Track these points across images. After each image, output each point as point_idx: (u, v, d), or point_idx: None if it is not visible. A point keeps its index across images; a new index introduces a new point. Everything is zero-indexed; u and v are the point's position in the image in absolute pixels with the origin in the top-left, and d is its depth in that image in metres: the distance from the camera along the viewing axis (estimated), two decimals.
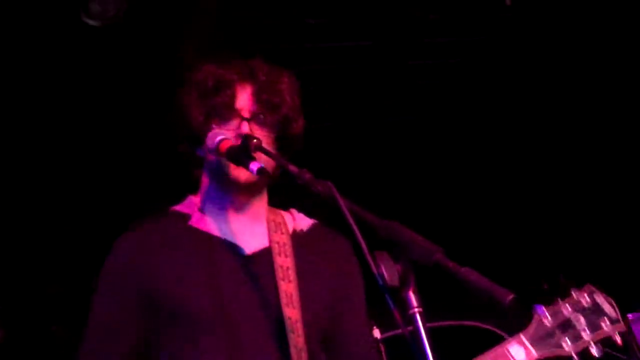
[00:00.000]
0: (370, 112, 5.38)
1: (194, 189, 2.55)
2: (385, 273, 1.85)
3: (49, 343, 5.47)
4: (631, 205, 5.92)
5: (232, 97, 2.41)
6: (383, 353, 4.08)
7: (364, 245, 1.89)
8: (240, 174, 2.36)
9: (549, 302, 2.38)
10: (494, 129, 5.54)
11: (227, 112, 2.41)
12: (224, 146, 2.34)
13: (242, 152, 2.29)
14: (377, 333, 4.04)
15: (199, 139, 2.42)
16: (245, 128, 2.37)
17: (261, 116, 2.42)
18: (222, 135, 2.37)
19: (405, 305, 1.85)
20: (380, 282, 1.84)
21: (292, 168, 2.18)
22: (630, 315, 5.25)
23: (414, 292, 1.85)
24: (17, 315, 5.61)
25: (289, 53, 4.78)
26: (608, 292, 2.44)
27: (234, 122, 2.40)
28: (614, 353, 5.13)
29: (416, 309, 1.84)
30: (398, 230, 1.90)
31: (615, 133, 5.53)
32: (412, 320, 1.83)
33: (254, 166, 2.25)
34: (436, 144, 5.60)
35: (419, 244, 1.86)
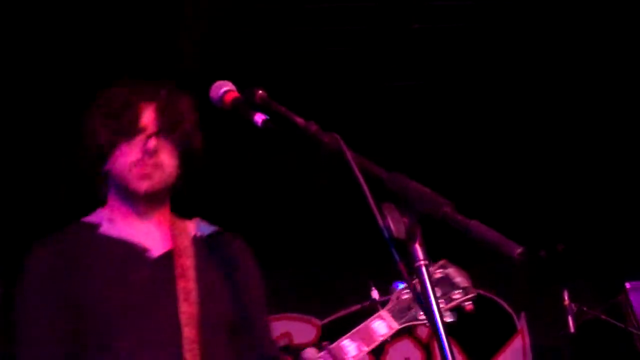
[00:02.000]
0: (373, 76, 5.33)
1: (102, 203, 2.69)
2: (391, 225, 1.83)
3: None
4: (631, 174, 5.90)
5: (137, 116, 2.57)
6: None
7: (369, 197, 1.86)
8: (141, 185, 2.54)
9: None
10: (500, 93, 5.49)
11: (133, 129, 2.56)
12: (229, 98, 2.33)
13: (247, 104, 2.26)
14: (375, 294, 4.03)
15: (106, 156, 2.59)
16: (152, 143, 2.54)
17: (165, 132, 2.58)
18: (227, 87, 2.35)
19: (411, 258, 1.83)
20: (387, 235, 1.82)
21: (299, 120, 2.15)
22: (627, 284, 5.29)
23: (420, 245, 1.82)
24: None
25: (290, 14, 4.73)
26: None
27: (140, 139, 2.55)
28: (613, 321, 5.18)
29: (422, 262, 1.81)
30: (406, 182, 1.87)
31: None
32: (417, 273, 1.81)
33: (259, 118, 2.23)
34: (441, 108, 5.56)
35: (428, 196, 1.83)
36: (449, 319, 2.48)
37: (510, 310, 6.66)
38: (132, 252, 2.57)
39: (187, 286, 2.52)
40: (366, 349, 2.45)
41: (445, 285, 2.57)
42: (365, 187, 1.87)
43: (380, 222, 1.83)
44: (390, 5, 4.77)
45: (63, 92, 4.86)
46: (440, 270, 2.60)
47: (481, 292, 5.39)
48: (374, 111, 5.54)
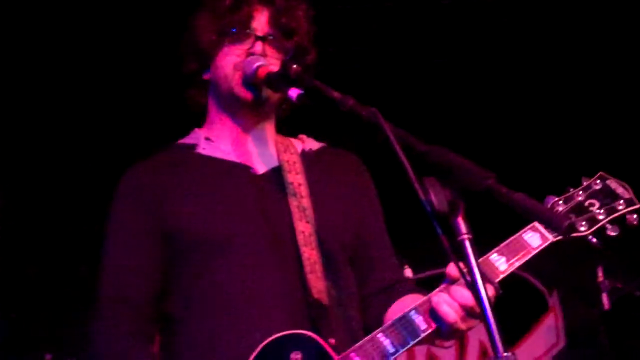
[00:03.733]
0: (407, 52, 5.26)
1: (198, 124, 2.54)
2: (433, 199, 1.79)
3: (76, 283, 5.51)
4: None
5: (249, 17, 2.40)
6: None
7: (410, 171, 1.82)
8: (249, 92, 2.35)
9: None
10: (537, 64, 5.40)
11: (243, 30, 2.40)
12: (262, 72, 2.32)
13: (282, 78, 2.23)
14: (409, 272, 4.01)
15: (209, 58, 2.42)
16: (259, 48, 2.37)
17: (276, 39, 2.41)
18: (260, 62, 2.33)
19: (454, 231, 1.79)
20: (429, 209, 1.78)
21: (336, 94, 2.12)
22: None
23: (463, 219, 1.79)
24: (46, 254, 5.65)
25: None
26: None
27: (248, 42, 2.39)
28: None
29: (465, 236, 1.78)
30: (447, 155, 1.83)
31: None
32: (461, 247, 1.78)
33: (294, 92, 2.21)
34: (473, 84, 5.48)
35: (470, 169, 1.79)
36: (612, 233, 2.30)
37: (542, 287, 6.60)
38: (233, 170, 2.38)
39: (301, 203, 2.33)
40: (517, 263, 2.25)
41: (606, 196, 2.35)
42: (405, 161, 1.84)
43: (422, 195, 1.80)
44: None
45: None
46: (599, 181, 2.38)
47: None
48: (410, 87, 5.46)
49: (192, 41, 2.46)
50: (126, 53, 4.89)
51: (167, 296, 2.33)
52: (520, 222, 2.23)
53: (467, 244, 1.77)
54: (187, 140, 2.51)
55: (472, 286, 1.75)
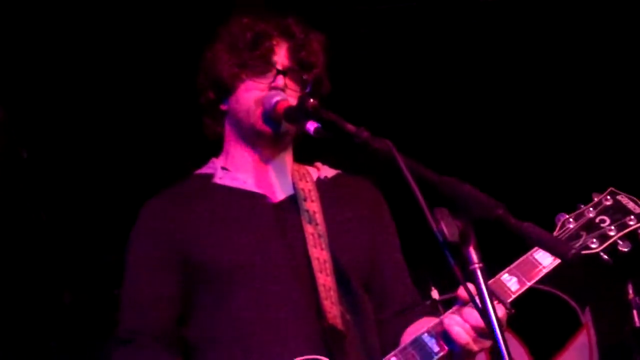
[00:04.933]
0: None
1: (216, 153, 2.59)
2: (445, 229, 1.84)
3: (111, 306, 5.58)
4: None
5: (271, 51, 2.44)
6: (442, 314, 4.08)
7: (422, 202, 1.88)
8: (268, 127, 2.39)
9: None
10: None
11: (264, 64, 2.43)
12: (281, 107, 2.38)
13: (300, 112, 2.30)
14: (435, 294, 4.04)
15: (228, 91, 2.46)
16: (281, 82, 2.41)
17: (296, 73, 2.45)
18: (279, 97, 2.40)
19: (465, 261, 1.84)
20: (440, 239, 1.84)
21: (350, 127, 2.18)
22: None
23: (474, 248, 1.84)
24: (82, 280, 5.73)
25: None
26: None
27: (269, 76, 2.43)
28: None
29: (477, 265, 1.83)
30: (458, 185, 1.89)
31: None
32: (472, 276, 1.83)
33: (311, 126, 2.27)
34: (484, 101, 5.49)
35: (480, 199, 1.84)
36: (624, 249, 2.30)
37: (575, 304, 6.57)
38: (250, 199, 2.42)
39: (317, 230, 2.37)
40: (528, 283, 2.25)
41: (617, 212, 2.36)
42: (417, 192, 1.90)
43: (434, 226, 1.85)
44: None
45: None
46: (610, 197, 2.40)
47: (543, 287, 5.32)
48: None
49: (210, 73, 2.50)
50: (146, 82, 4.96)
51: (187, 323, 2.38)
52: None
53: (479, 273, 1.82)
54: (204, 170, 2.56)
55: (483, 311, 1.79)
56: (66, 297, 5.63)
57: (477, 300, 1.81)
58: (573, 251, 1.71)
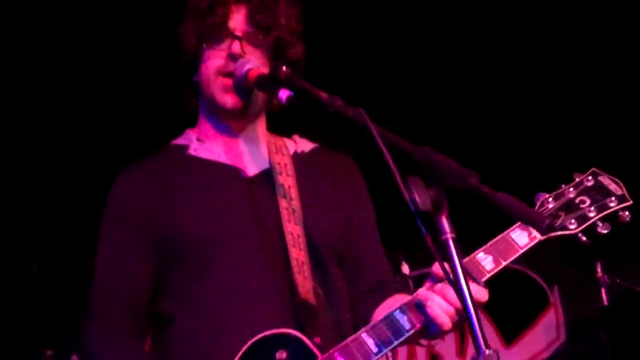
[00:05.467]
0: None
1: (192, 124, 2.55)
2: (417, 198, 1.81)
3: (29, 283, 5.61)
4: None
5: (225, 17, 2.39)
6: (412, 289, 4.08)
7: (395, 171, 1.85)
8: (227, 99, 2.37)
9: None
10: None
11: (219, 32, 2.39)
12: (253, 75, 2.32)
13: (272, 80, 2.25)
14: (406, 269, 4.03)
15: (194, 63, 2.43)
16: (237, 47, 2.36)
17: (254, 37, 2.39)
18: (250, 64, 2.34)
19: (437, 230, 1.82)
20: (413, 208, 1.81)
21: (323, 95, 2.15)
22: None
23: (446, 218, 1.81)
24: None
25: None
26: None
27: (226, 43, 2.39)
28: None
29: (449, 234, 1.80)
30: (432, 154, 1.86)
31: None
32: (444, 246, 1.80)
33: (283, 94, 2.22)
34: (464, 79, 5.48)
35: (454, 168, 1.82)
36: (603, 230, 2.26)
37: (543, 283, 6.61)
38: (224, 172, 2.40)
39: (291, 205, 2.36)
40: (504, 262, 2.22)
41: (598, 193, 2.32)
42: (390, 161, 1.86)
43: (406, 195, 1.82)
44: None
45: None
46: (592, 177, 2.36)
47: (513, 265, 5.33)
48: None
49: (179, 44, 2.47)
50: (123, 53, 4.90)
51: (159, 296, 2.36)
52: (509, 220, 2.24)
53: (451, 242, 1.80)
54: (179, 140, 2.53)
55: (455, 285, 1.77)
56: (34, 269, 5.60)
57: (451, 276, 1.78)
58: (547, 221, 1.68)
